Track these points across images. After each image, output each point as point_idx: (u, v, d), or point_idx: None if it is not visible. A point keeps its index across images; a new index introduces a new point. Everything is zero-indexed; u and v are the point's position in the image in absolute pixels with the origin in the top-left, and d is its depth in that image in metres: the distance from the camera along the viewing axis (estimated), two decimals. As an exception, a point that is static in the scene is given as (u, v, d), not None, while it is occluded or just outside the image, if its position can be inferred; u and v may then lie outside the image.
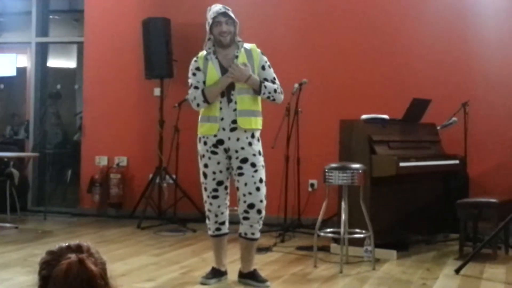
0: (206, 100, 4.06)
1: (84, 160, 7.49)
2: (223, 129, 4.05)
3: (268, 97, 4.10)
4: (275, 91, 4.10)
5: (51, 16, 8.31)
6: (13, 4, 8.40)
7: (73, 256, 1.47)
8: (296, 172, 6.21)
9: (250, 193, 4.06)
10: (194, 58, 4.19)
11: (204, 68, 4.11)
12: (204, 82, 4.11)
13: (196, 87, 4.12)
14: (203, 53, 4.16)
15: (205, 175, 4.16)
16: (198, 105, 4.10)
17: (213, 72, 4.07)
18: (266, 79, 4.10)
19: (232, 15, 4.07)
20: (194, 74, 4.16)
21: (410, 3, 6.52)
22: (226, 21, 4.04)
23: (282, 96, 4.18)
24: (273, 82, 4.13)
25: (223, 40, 4.05)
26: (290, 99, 5.94)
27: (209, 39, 4.12)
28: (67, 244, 1.55)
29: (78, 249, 1.51)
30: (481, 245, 4.77)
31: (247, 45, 4.15)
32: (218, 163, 4.10)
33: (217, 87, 4.05)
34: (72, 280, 1.42)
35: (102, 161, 7.38)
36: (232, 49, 4.10)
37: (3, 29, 8.74)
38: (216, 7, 4.08)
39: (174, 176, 6.74)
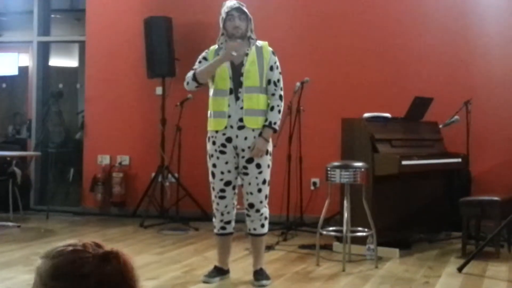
0: (195, 78, 4.11)
1: (87, 159, 7.49)
2: (231, 126, 4.06)
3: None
4: (279, 112, 4.13)
5: (52, 15, 8.31)
6: (15, 3, 8.40)
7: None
8: (298, 170, 6.21)
9: (251, 193, 4.11)
10: (206, 50, 4.24)
11: None
12: None
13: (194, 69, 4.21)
14: (215, 46, 4.21)
15: (213, 175, 4.17)
16: (187, 83, 4.17)
17: (224, 68, 4.09)
18: (269, 80, 4.11)
19: (246, 10, 4.11)
20: (199, 62, 4.22)
21: (412, 2, 6.51)
22: (239, 16, 4.07)
23: (282, 103, 4.19)
24: (275, 84, 4.13)
25: (236, 34, 4.07)
26: (292, 97, 5.93)
27: (222, 34, 4.15)
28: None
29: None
30: (483, 243, 4.76)
31: (259, 43, 4.16)
32: (227, 162, 4.11)
33: (208, 66, 4.08)
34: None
35: (105, 160, 7.39)
36: (244, 46, 4.11)
37: (5, 28, 8.76)
38: (231, 3, 4.12)
39: (176, 175, 6.74)
